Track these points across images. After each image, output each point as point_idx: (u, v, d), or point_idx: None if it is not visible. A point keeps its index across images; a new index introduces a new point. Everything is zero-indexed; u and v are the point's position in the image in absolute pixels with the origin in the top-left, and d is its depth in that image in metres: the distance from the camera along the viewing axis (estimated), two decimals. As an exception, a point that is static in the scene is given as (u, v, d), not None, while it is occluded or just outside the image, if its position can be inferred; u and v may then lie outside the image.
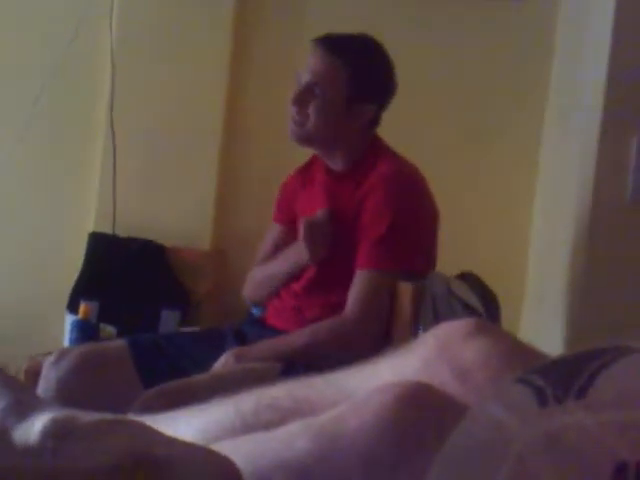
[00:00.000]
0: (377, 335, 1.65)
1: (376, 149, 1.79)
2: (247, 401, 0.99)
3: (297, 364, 1.53)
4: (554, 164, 2.68)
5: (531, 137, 2.79)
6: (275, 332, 1.73)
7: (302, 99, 1.73)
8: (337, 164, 1.80)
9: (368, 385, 0.91)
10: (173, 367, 1.73)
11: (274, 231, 1.93)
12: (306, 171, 1.89)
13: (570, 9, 2.70)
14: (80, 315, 2.40)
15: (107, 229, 2.71)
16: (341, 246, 1.73)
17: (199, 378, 1.66)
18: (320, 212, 1.74)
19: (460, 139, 2.84)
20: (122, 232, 2.70)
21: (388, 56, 1.81)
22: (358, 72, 1.72)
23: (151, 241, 2.67)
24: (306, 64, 1.75)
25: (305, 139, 1.78)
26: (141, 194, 2.77)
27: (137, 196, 2.77)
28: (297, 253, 1.75)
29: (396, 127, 2.70)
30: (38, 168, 2.92)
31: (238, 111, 2.81)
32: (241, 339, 1.79)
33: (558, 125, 2.70)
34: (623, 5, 2.12)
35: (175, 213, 2.74)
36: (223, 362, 1.65)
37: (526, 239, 2.76)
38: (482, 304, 1.76)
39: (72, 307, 2.56)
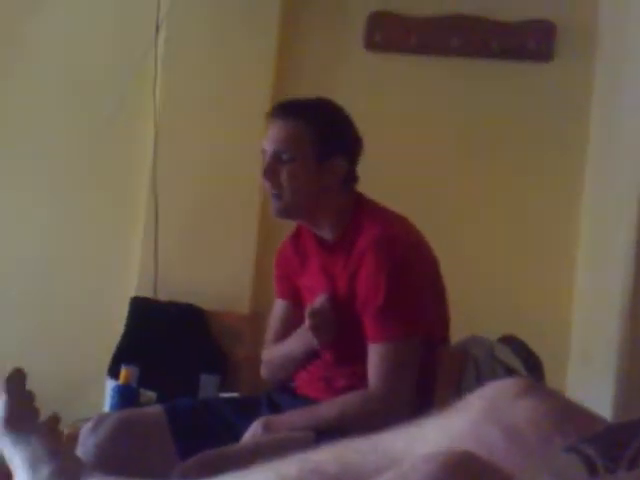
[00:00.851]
0: (408, 403, 1.61)
1: (361, 211, 1.74)
2: (289, 466, 0.97)
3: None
4: (597, 214, 2.65)
5: (572, 187, 2.77)
6: (307, 401, 1.70)
7: (272, 170, 1.69)
8: (326, 233, 1.76)
9: (414, 448, 0.90)
10: (209, 435, 1.73)
11: (279, 308, 1.89)
12: (297, 239, 1.85)
13: (605, 57, 2.71)
14: (121, 380, 2.41)
15: (149, 293, 2.75)
16: (351, 320, 1.69)
17: (236, 447, 1.64)
18: (320, 299, 1.70)
19: (497, 194, 2.85)
20: (163, 296, 2.74)
21: (346, 112, 1.79)
22: (321, 127, 1.69)
23: (191, 305, 2.70)
24: (267, 137, 1.72)
25: (287, 211, 1.74)
26: (182, 259, 2.81)
27: (178, 260, 2.81)
28: (307, 337, 1.72)
29: (438, 185, 2.75)
30: (81, 233, 2.98)
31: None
32: (274, 408, 1.78)
33: (600, 174, 2.67)
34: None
35: (215, 277, 2.77)
36: (252, 432, 1.64)
37: (570, 294, 2.72)
38: (525, 368, 1.72)
39: (113, 372, 2.58)
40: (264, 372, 1.88)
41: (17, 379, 1.76)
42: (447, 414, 0.96)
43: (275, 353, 1.85)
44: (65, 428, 2.21)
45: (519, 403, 0.90)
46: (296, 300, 1.85)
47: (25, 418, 1.63)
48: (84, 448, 1.74)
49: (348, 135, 1.76)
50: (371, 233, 1.67)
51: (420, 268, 1.69)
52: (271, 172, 1.70)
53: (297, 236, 1.86)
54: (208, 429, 1.74)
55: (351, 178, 1.77)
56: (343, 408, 1.64)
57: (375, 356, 1.63)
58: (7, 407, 1.72)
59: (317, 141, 1.69)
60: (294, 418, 1.65)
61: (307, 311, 1.69)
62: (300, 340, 1.76)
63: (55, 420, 1.51)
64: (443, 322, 1.77)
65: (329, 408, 1.65)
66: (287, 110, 1.72)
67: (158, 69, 2.85)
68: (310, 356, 1.77)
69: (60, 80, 3.07)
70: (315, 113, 1.72)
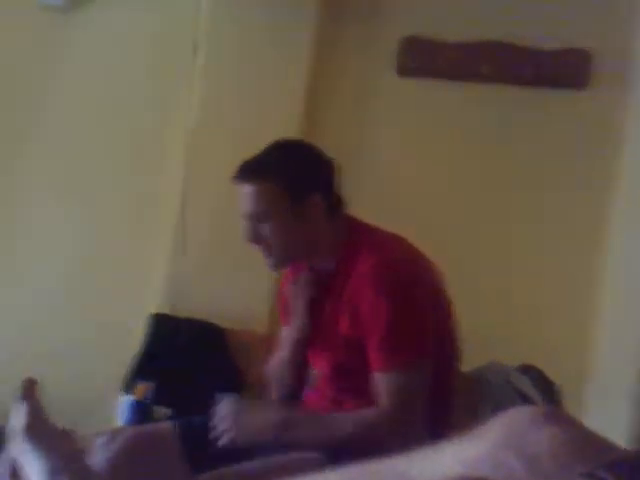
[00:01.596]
0: (418, 426, 1.59)
1: (356, 236, 1.72)
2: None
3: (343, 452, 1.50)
4: (623, 245, 2.62)
5: (601, 217, 2.75)
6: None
7: (253, 233, 1.70)
8: (324, 265, 1.75)
9: (431, 473, 0.89)
10: (222, 452, 1.71)
11: (284, 334, 1.90)
12: (296, 269, 1.84)
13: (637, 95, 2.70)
14: (136, 395, 2.40)
15: (168, 310, 2.74)
16: (356, 347, 1.67)
17: (249, 466, 1.63)
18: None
19: (522, 224, 2.82)
20: (182, 313, 2.73)
21: (305, 145, 1.80)
22: (284, 177, 1.68)
23: (209, 323, 2.69)
24: (239, 203, 1.73)
25: (282, 264, 1.76)
26: (201, 276, 2.82)
27: (198, 278, 2.81)
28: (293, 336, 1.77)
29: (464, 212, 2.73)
30: (103, 249, 3.00)
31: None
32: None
33: (633, 203, 2.65)
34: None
35: (234, 296, 2.77)
36: (225, 409, 1.66)
37: (590, 322, 2.68)
38: (543, 397, 1.69)
39: (128, 387, 2.57)
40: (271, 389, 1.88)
41: (32, 388, 1.77)
42: (464, 439, 0.95)
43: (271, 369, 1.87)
44: (80, 440, 2.21)
45: (538, 430, 0.88)
46: None
47: (44, 426, 1.63)
48: (97, 462, 1.73)
49: (313, 169, 1.75)
50: (368, 260, 1.65)
51: (421, 291, 1.66)
52: (252, 235, 1.71)
53: (297, 267, 1.85)
54: (219, 447, 1.71)
55: (334, 206, 1.75)
56: (357, 426, 1.62)
57: (382, 384, 1.62)
58: (27, 415, 1.73)
59: (285, 191, 1.68)
60: (309, 429, 1.64)
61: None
62: (287, 345, 1.80)
63: (71, 431, 1.52)
64: (451, 338, 1.75)
65: (344, 425, 1.64)
66: (247, 172, 1.72)
67: (193, 93, 2.87)
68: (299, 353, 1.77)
69: (95, 102, 3.11)
70: (274, 165, 1.72)
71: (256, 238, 1.70)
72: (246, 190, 1.71)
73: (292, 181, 1.69)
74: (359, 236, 1.72)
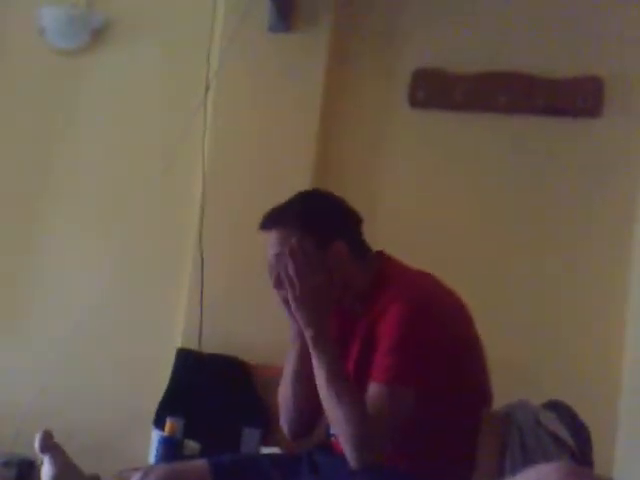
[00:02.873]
0: (381, 447, 1.58)
1: (386, 275, 1.75)
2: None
3: None
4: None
5: (621, 246, 2.74)
6: (345, 458, 1.69)
7: (282, 280, 1.71)
8: (355, 307, 1.78)
9: None
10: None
11: None
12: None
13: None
14: (166, 431, 2.43)
15: (194, 345, 2.78)
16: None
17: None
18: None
19: (544, 253, 2.83)
20: (208, 349, 2.76)
21: (328, 194, 1.85)
22: (308, 222, 1.74)
23: (235, 358, 2.72)
24: (267, 252, 1.77)
25: None
26: (226, 312, 2.85)
27: (222, 314, 2.84)
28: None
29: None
30: (128, 285, 3.04)
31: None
32: (314, 467, 1.79)
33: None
34: None
35: (258, 331, 2.79)
36: None
37: (619, 358, 2.66)
38: (572, 436, 1.68)
39: (158, 422, 2.60)
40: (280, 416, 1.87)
41: (49, 440, 1.83)
42: None
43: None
44: (112, 478, 2.25)
45: None
46: None
47: (72, 473, 1.67)
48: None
49: (337, 217, 1.80)
50: (396, 299, 1.68)
51: (440, 334, 1.65)
52: (281, 282, 1.72)
53: None
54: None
55: (360, 251, 1.79)
56: (356, 408, 1.60)
57: (370, 394, 1.61)
58: (54, 466, 1.78)
59: (311, 237, 1.72)
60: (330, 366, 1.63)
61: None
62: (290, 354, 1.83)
63: (97, 476, 1.55)
64: (481, 386, 1.75)
65: (349, 399, 1.61)
66: (272, 222, 1.78)
67: (207, 128, 2.92)
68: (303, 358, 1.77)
69: (111, 139, 3.17)
70: (299, 212, 1.77)
71: (283, 283, 1.71)
72: (272, 237, 1.76)
73: (316, 227, 1.74)
74: (388, 278, 1.74)
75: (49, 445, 1.86)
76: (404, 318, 1.63)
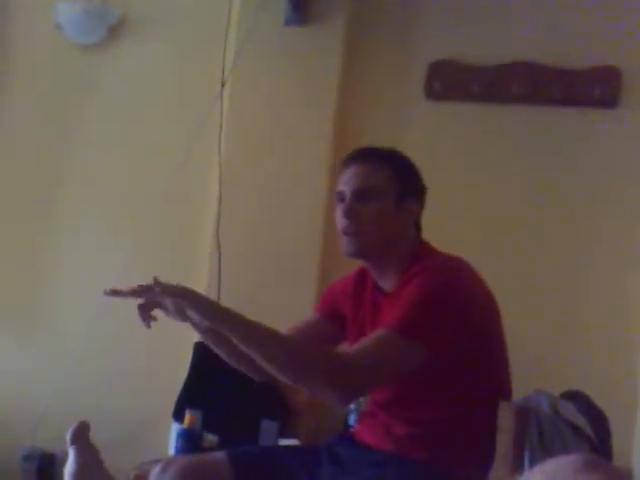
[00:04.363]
0: (364, 393, 1.56)
1: (420, 256, 1.74)
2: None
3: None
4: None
5: (637, 238, 2.73)
6: (366, 449, 1.68)
7: (353, 209, 1.72)
8: (386, 283, 1.76)
9: None
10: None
11: (311, 317, 1.94)
12: (357, 281, 1.86)
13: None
14: (185, 424, 2.45)
15: (211, 338, 2.78)
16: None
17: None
18: None
19: (561, 242, 2.82)
20: (226, 341, 2.77)
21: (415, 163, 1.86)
22: (399, 170, 1.75)
23: (253, 350, 2.72)
24: (345, 180, 1.75)
25: (362, 250, 1.73)
26: (244, 304, 2.83)
27: (240, 306, 2.83)
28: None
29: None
30: (146, 279, 3.04)
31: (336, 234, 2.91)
32: (335, 459, 1.79)
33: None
34: None
35: (276, 324, 2.80)
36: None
37: (638, 348, 2.66)
38: (591, 426, 1.67)
39: (178, 415, 2.62)
40: None
41: (83, 433, 1.82)
42: None
43: None
44: (133, 469, 2.27)
45: None
46: (330, 322, 1.88)
47: (93, 471, 1.68)
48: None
49: (420, 181, 1.82)
50: (430, 262, 1.69)
51: (463, 302, 1.63)
52: (352, 210, 1.73)
53: (358, 278, 1.88)
54: (271, 478, 1.75)
55: (418, 224, 1.81)
56: (311, 352, 1.60)
57: (372, 335, 1.59)
58: (76, 461, 1.78)
59: (396, 182, 1.74)
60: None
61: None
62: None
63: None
64: (499, 379, 1.75)
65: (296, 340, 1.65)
66: (367, 154, 1.79)
67: (223, 123, 2.93)
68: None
69: (127, 135, 3.18)
70: (392, 158, 1.79)
71: (354, 214, 1.71)
72: (360, 168, 1.75)
73: (402, 178, 1.75)
74: (424, 257, 1.73)
75: (80, 437, 1.84)
76: (432, 281, 1.62)
